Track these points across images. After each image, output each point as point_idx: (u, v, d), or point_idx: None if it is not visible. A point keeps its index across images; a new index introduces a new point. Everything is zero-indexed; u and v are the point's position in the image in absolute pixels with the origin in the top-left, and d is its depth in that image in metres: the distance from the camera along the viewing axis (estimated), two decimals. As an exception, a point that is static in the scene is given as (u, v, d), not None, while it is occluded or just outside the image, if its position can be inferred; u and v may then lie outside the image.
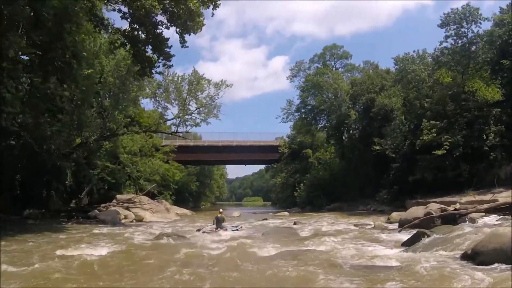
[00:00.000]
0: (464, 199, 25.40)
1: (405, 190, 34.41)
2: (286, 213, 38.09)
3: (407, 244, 10.88)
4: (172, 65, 22.90)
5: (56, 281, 7.11)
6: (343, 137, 47.92)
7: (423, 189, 31.60)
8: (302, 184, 51.26)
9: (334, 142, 49.80)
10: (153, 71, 24.33)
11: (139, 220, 27.81)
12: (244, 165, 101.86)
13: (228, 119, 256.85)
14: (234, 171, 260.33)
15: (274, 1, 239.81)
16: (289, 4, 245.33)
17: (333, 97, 45.19)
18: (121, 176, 39.01)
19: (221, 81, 35.18)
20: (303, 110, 49.19)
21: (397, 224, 17.28)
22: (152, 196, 40.71)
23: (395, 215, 23.51)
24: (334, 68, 50.90)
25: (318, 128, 50.66)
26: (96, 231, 17.21)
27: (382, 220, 24.17)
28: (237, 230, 18.58)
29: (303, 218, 27.49)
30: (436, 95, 31.49)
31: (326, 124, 49.19)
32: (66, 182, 27.88)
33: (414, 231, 12.40)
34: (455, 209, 15.44)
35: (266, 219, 28.64)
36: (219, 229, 17.78)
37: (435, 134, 28.91)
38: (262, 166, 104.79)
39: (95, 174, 34.89)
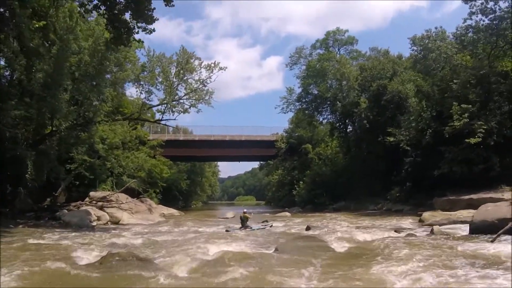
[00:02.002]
0: (506, 195, 21.26)
1: (423, 187, 30.23)
2: (287, 213, 33.77)
3: None
4: (154, 30, 18.32)
5: None
6: (349, 129, 43.56)
7: (445, 185, 27.28)
8: (301, 182, 46.84)
9: (338, 135, 45.33)
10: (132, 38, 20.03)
11: (115, 222, 23.28)
12: (237, 163, 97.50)
13: (222, 118, 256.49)
14: (226, 170, 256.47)
15: (268, 2, 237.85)
16: (282, 5, 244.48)
17: (339, 84, 40.81)
18: (102, 171, 34.49)
19: (214, 62, 30.55)
20: (304, 100, 44.57)
21: (460, 227, 13.01)
22: (137, 194, 36.27)
23: (427, 215, 19.43)
24: (338, 55, 46.28)
25: (321, 119, 46.17)
26: (33, 241, 12.40)
27: (411, 221, 20.02)
28: (264, 228, 18.97)
29: (312, 220, 23.04)
30: (462, 77, 27.07)
31: (329, 116, 44.75)
32: (27, 175, 23.13)
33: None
34: None
35: (267, 221, 24.12)
36: (243, 228, 18.22)
37: (467, 120, 24.44)
38: (256, 164, 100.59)
39: (72, 169, 30.35)
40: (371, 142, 36.81)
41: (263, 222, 21.53)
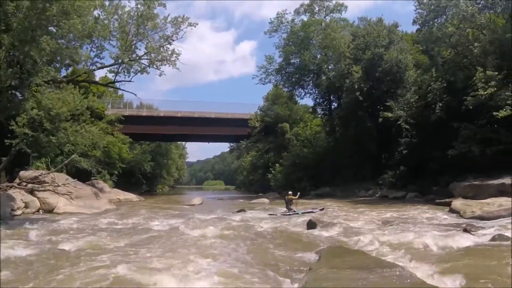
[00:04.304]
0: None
1: (425, 170, 26.30)
2: (265, 199, 29.04)
3: None
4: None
5: None
6: (333, 106, 38.87)
7: (450, 169, 23.13)
8: (277, 165, 42.00)
9: (321, 113, 40.52)
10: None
11: (49, 210, 17.85)
12: (206, 145, 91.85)
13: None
14: (195, 154, 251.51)
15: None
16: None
17: (325, 54, 35.94)
18: (51, 149, 28.58)
19: (183, 16, 25.00)
20: (284, 72, 39.29)
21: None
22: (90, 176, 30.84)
23: (459, 205, 14.93)
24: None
25: (303, 94, 41.00)
26: None
27: (427, 211, 15.51)
28: (311, 212, 16.78)
29: (301, 209, 18.22)
30: (483, 41, 22.38)
31: (312, 91, 39.74)
32: None
33: None
34: None
35: (244, 210, 19.13)
36: (288, 212, 16.87)
37: (494, 89, 19.80)
38: (225, 148, 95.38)
39: (13, 145, 24.57)
40: (362, 120, 32.35)
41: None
